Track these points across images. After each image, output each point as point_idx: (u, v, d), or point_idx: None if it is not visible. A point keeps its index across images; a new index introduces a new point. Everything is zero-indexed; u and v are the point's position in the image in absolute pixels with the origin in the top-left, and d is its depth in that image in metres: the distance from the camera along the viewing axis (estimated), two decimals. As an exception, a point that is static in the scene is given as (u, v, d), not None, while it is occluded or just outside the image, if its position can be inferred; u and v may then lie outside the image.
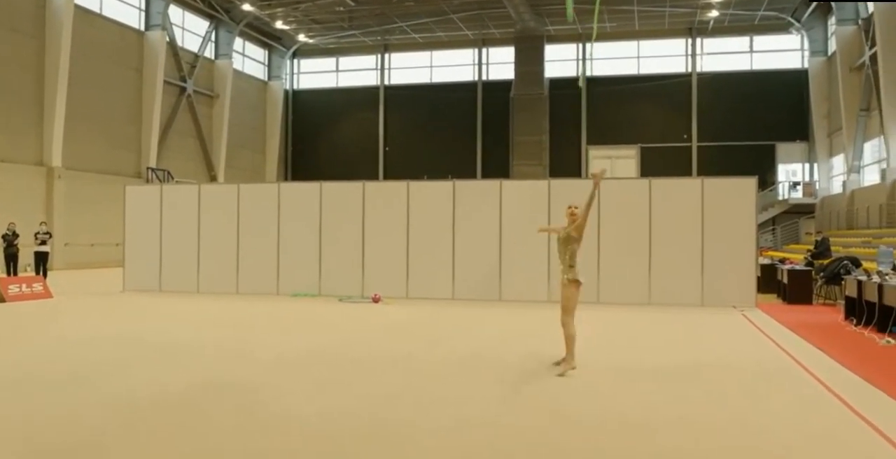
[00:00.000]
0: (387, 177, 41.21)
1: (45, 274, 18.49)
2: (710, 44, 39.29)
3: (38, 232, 19.42)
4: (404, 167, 40.46)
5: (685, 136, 39.08)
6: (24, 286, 15.21)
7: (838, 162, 33.93)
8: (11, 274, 18.75)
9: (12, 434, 5.03)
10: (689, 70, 39.31)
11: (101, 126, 30.35)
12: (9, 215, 23.03)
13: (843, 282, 13.45)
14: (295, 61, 45.60)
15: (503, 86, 40.55)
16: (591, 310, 13.52)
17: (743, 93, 37.99)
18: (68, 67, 27.30)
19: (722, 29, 38.29)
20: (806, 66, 36.52)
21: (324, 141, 44.28)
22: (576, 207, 7.61)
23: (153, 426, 5.27)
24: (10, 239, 19.06)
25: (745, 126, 37.72)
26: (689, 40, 39.36)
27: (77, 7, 27.92)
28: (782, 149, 38.05)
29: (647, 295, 14.73)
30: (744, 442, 4.95)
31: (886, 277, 10.68)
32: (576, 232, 7.49)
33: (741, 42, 38.87)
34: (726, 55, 39.01)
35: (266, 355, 8.37)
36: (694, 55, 39.31)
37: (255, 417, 5.51)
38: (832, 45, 33.59)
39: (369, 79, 44.08)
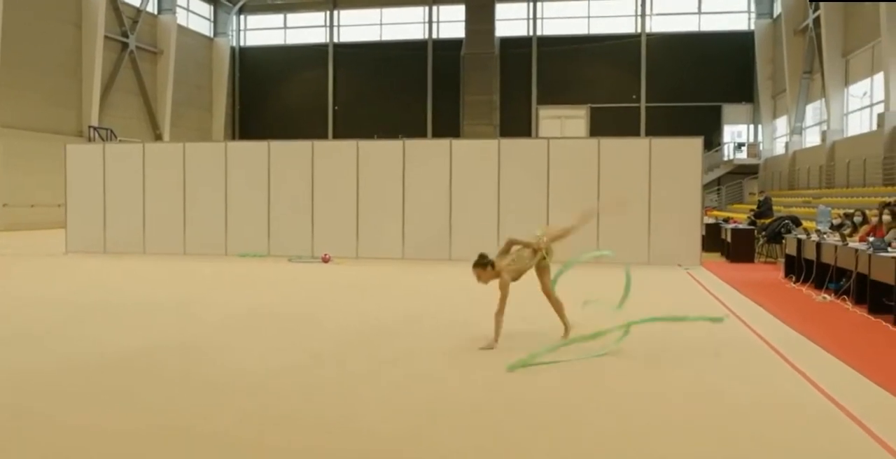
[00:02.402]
0: (336, 136, 40.75)
1: (-17, 236, 18.03)
2: (659, 4, 39.40)
3: (-26, 193, 18.89)
4: (354, 126, 40.06)
5: (634, 97, 39.38)
6: (-39, 247, 14.79)
7: (781, 123, 34.60)
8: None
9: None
10: (639, 31, 39.45)
11: (40, 83, 29.31)
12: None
13: (783, 241, 13.82)
14: (241, 18, 44.51)
15: (454, 44, 40.17)
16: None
17: (691, 54, 38.33)
18: (1, 22, 26.18)
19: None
20: (752, 28, 36.92)
21: (272, 99, 43.53)
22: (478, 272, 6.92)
23: (94, 387, 5.22)
24: None
25: (692, 87, 38.13)
26: (640, 0, 39.40)
27: (10, -43, 26.72)
28: (728, 110, 38.64)
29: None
30: (673, 388, 5.12)
31: (824, 236, 11.00)
32: (506, 277, 6.84)
33: (690, 2, 39.08)
34: (675, 16, 39.19)
35: (211, 314, 8.33)
36: (643, 16, 39.42)
37: (200, 375, 5.50)
38: (777, 8, 33.97)
39: (318, 36, 43.29)
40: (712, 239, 17.53)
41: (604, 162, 14.93)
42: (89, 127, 31.58)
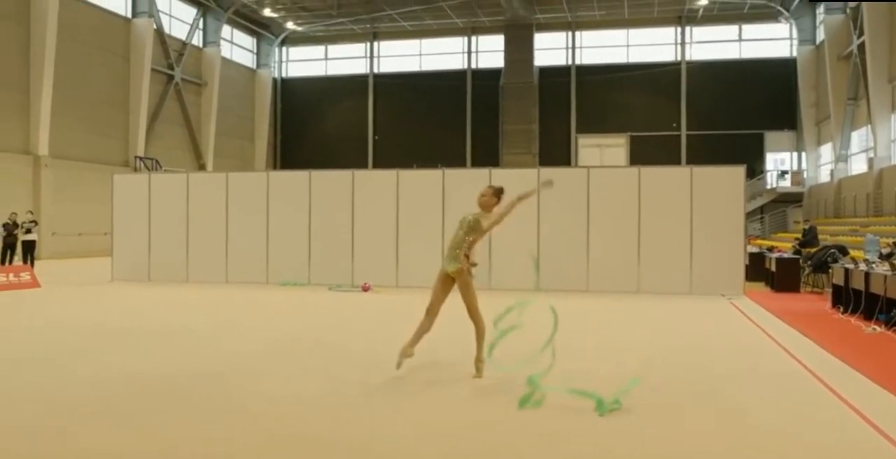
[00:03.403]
0: (376, 165, 41.10)
1: (32, 264, 18.43)
2: (699, 32, 39.30)
3: (24, 222, 19.37)
4: (394, 156, 40.35)
5: (674, 125, 39.14)
6: (11, 275, 15.13)
7: (826, 151, 34.07)
8: (8, 264, 18.72)
9: None
10: (679, 58, 39.32)
11: (88, 114, 30.12)
12: (-5, 204, 22.93)
13: (830, 271, 13.54)
14: (283, 49, 45.35)
15: (493, 74, 40.48)
16: (579, 299, 13.61)
17: (732, 81, 38.05)
18: (54, 55, 27.04)
19: (711, 17, 38.28)
20: (794, 54, 36.58)
21: (313, 129, 44.11)
22: (490, 192, 6.79)
23: (127, 410, 5.27)
24: (11, 229, 19.09)
25: (733, 115, 37.80)
26: (679, 29, 39.35)
27: (63, -7, 27.64)
28: (770, 137, 38.17)
29: (636, 284, 14.79)
30: (720, 422, 4.99)
31: (873, 265, 10.76)
32: (487, 223, 6.68)
33: (730, 30, 38.92)
34: (715, 44, 39.03)
35: (247, 342, 8.37)
36: (683, 44, 39.33)
37: (230, 401, 5.52)
38: (820, 34, 33.67)
39: (358, 67, 43.89)
40: (756, 269, 17.26)
41: (644, 190, 14.83)
42: (135, 157, 32.28)
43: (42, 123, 26.86)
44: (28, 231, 19.23)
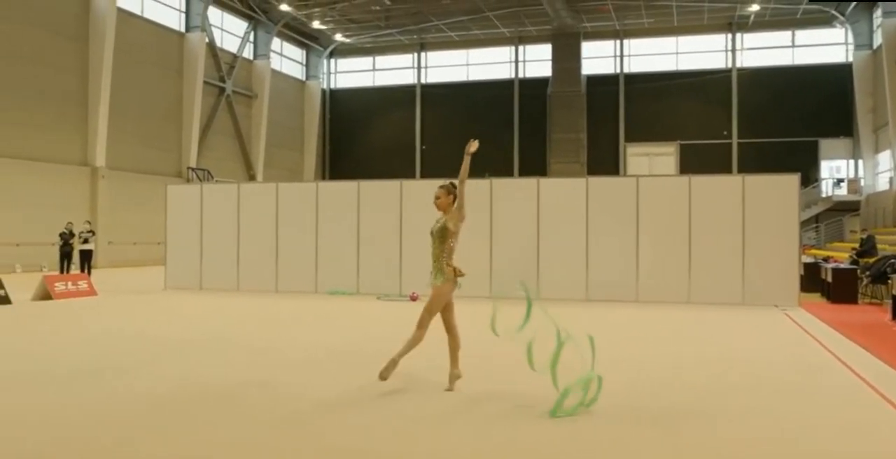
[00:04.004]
0: (424, 175, 41.27)
1: (89, 272, 18.90)
2: (750, 39, 38.70)
3: (81, 231, 19.90)
4: (441, 165, 40.36)
5: (725, 133, 38.57)
6: (69, 283, 15.52)
7: (884, 158, 33.18)
8: (65, 272, 19.30)
9: (42, 425, 5.13)
10: (729, 65, 38.78)
11: (143, 126, 30.86)
12: (56, 214, 23.67)
13: (889, 281, 13.16)
14: (332, 61, 45.88)
15: (540, 83, 40.43)
16: (629, 309, 13.45)
17: (784, 88, 37.38)
18: (111, 70, 27.81)
19: (763, 23, 37.68)
20: (850, 60, 35.75)
21: (361, 140, 44.49)
22: (443, 192, 6.41)
23: (175, 421, 5.33)
24: (66, 238, 19.69)
25: (786, 122, 37.11)
26: (729, 35, 38.82)
27: (119, 10, 28.42)
28: (825, 145, 37.34)
29: (687, 294, 14.57)
30: (776, 437, 4.87)
31: (934, 275, 10.43)
32: (452, 222, 6.30)
33: (783, 36, 38.24)
34: (767, 50, 38.40)
35: (299, 350, 8.44)
36: (734, 50, 38.76)
37: (281, 410, 5.56)
38: (877, 39, 32.87)
39: (406, 77, 44.19)
40: (811, 279, 16.87)
41: (695, 199, 14.63)
42: (188, 168, 32.94)
43: (99, 136, 27.62)
44: (85, 240, 19.75)
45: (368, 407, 5.75)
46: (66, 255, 19.83)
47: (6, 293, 13.83)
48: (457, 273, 6.38)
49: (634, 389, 6.46)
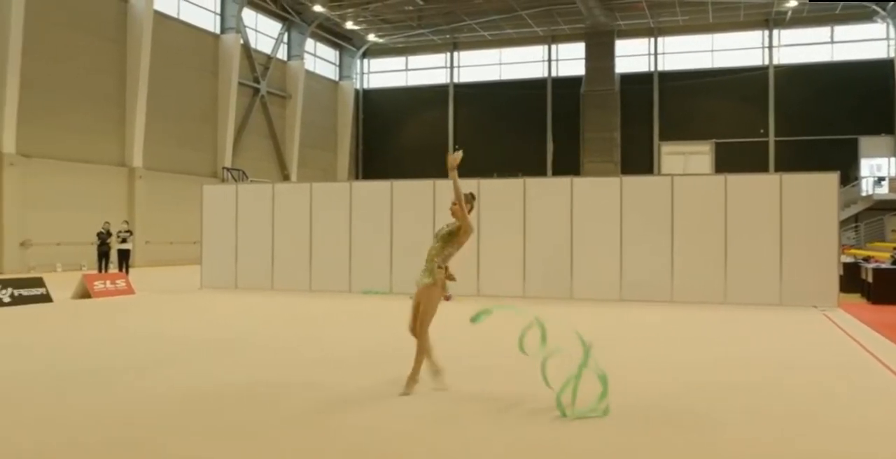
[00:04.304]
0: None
1: (127, 271, 19.18)
2: (787, 35, 38.11)
3: (120, 231, 20.20)
4: (474, 165, 40.15)
5: (762, 131, 38.04)
6: (108, 282, 15.77)
7: (926, 156, 32.50)
8: (103, 271, 19.63)
9: (75, 424, 5.21)
10: (766, 63, 38.24)
11: (179, 127, 31.26)
12: (93, 214, 24.05)
13: (932, 281, 12.88)
14: (365, 61, 46.06)
15: (573, 82, 40.21)
16: (663, 309, 13.32)
17: (823, 85, 36.76)
18: (148, 71, 28.21)
19: (801, 19, 37.10)
20: (892, 55, 35.07)
21: (394, 139, 44.62)
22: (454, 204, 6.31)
23: (199, 419, 5.38)
24: (104, 238, 20.02)
25: (825, 119, 36.50)
26: (766, 32, 38.28)
27: (156, 12, 28.80)
28: (866, 142, 36.66)
29: (723, 294, 14.39)
30: (818, 441, 4.78)
31: (980, 276, 10.18)
32: (463, 234, 6.25)
33: (821, 32, 37.58)
34: (805, 46, 37.79)
35: (333, 350, 8.48)
36: (771, 47, 38.21)
37: (315, 410, 5.58)
38: (919, 34, 32.19)
39: (439, 77, 44.23)
40: (851, 279, 16.56)
41: (731, 198, 14.44)
42: (223, 168, 33.29)
43: (136, 137, 28.04)
44: (124, 240, 20.04)
45: (390, 406, 5.76)
46: (103, 255, 20.16)
47: (47, 291, 14.10)
48: (448, 277, 6.33)
49: (667, 391, 6.39)
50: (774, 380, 6.90)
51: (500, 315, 5.95)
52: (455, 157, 6.26)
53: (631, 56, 40.06)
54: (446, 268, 6.30)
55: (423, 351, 6.25)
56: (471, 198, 6.40)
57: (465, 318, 6.16)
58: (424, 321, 6.24)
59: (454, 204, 6.27)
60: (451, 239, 6.28)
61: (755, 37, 38.64)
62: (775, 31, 38.09)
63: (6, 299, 13.15)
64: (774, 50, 38.21)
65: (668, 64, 39.84)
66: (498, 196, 15.88)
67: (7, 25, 22.73)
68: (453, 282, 6.49)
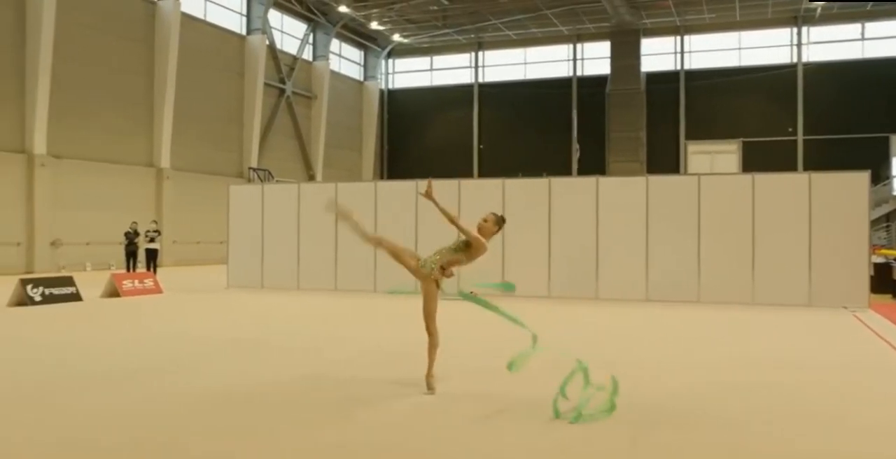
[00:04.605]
0: (481, 174, 41.26)
1: (155, 271, 19.39)
2: (817, 32, 37.62)
3: (148, 230, 20.42)
4: (499, 164, 40.36)
5: (790, 130, 37.60)
6: (136, 282, 15.94)
7: (959, 154, 31.96)
8: (131, 270, 19.87)
9: (100, 424, 5.27)
10: (794, 60, 37.78)
11: (206, 128, 31.53)
12: (122, 214, 24.34)
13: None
14: (390, 61, 46.15)
15: (598, 81, 40.00)
16: (690, 309, 13.22)
17: (853, 82, 36.23)
18: (175, 72, 28.49)
19: (830, 16, 36.63)
20: (923, 52, 34.52)
21: (419, 139, 44.67)
22: (493, 219, 6.49)
23: (231, 421, 5.41)
24: (131, 237, 20.25)
25: (855, 117, 35.97)
26: (795, 29, 37.81)
27: (183, 14, 29.07)
28: (897, 141, 36.13)
29: (751, 295, 14.25)
30: (848, 444, 4.72)
31: None
32: (477, 250, 6.34)
33: (852, 29, 37.05)
34: (835, 43, 37.26)
35: (357, 350, 8.51)
36: (800, 45, 37.75)
37: (342, 409, 5.60)
38: (952, 31, 31.63)
39: (463, 77, 44.21)
40: (882, 280, 16.34)
41: (759, 198, 14.30)
42: (249, 168, 33.52)
43: (164, 137, 28.34)
44: (152, 239, 20.27)
45: (417, 404, 5.77)
46: (131, 254, 20.39)
47: (77, 290, 14.29)
48: (445, 273, 6.41)
49: (695, 392, 6.34)
50: (802, 381, 6.82)
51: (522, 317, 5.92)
52: (427, 189, 6.41)
53: (657, 54, 39.78)
54: (444, 268, 6.37)
55: (433, 344, 6.34)
56: (501, 220, 6.51)
57: (483, 318, 6.12)
58: (426, 315, 6.33)
59: (485, 221, 6.44)
60: (465, 249, 6.36)
61: (783, 34, 38.19)
62: (804, 28, 37.62)
63: (38, 298, 13.35)
64: (803, 47, 37.74)
65: (695, 62, 39.50)
66: (523, 196, 15.84)
67: (38, 28, 23.08)
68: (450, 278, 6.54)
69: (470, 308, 6.12)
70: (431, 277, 6.34)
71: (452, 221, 6.13)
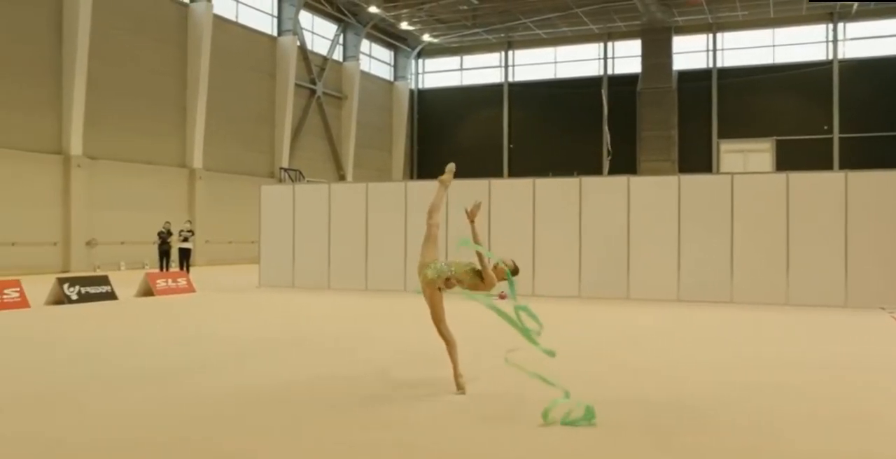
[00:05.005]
0: (511, 174, 41.16)
1: (188, 270, 19.60)
2: (853, 28, 37.00)
3: (181, 230, 20.66)
4: (529, 164, 40.24)
5: (825, 128, 37.03)
6: (170, 281, 16.13)
7: None
8: (164, 269, 20.12)
9: (136, 423, 5.33)
10: (830, 57, 37.19)
11: (238, 128, 31.83)
12: (156, 215, 24.64)
13: None
14: (420, 61, 46.23)
15: (629, 80, 39.70)
16: (722, 310, 13.07)
17: (891, 79, 35.59)
18: (208, 73, 28.80)
19: (867, 12, 35.97)
20: (963, 49, 33.82)
21: (449, 139, 44.66)
22: (512, 264, 6.54)
23: (262, 420, 5.44)
24: (165, 237, 20.52)
25: (893, 115, 35.33)
26: (830, 25, 37.22)
27: (215, 16, 29.37)
28: (936, 139, 35.45)
29: (784, 295, 14.05)
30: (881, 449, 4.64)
31: None
32: (486, 284, 6.36)
33: (889, 25, 36.37)
34: (872, 40, 36.62)
35: (389, 350, 8.53)
36: (835, 41, 37.15)
37: (371, 409, 5.62)
38: None
39: (493, 76, 44.15)
40: (921, 281, 15.99)
41: (793, 197, 14.09)
42: (280, 168, 33.77)
43: (197, 138, 28.66)
44: (185, 239, 20.51)
45: (447, 404, 5.77)
46: (164, 254, 20.65)
47: (112, 289, 14.50)
48: (448, 283, 6.46)
49: (726, 394, 6.26)
50: (837, 382, 6.72)
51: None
52: (472, 210, 6.73)
53: (688, 53, 39.37)
54: (448, 279, 6.44)
55: (451, 345, 6.37)
56: (516, 270, 6.57)
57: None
58: (436, 321, 6.43)
59: (504, 264, 6.49)
60: (476, 276, 6.43)
61: (818, 31, 37.62)
62: (840, 24, 37.03)
63: (74, 296, 13.56)
64: (839, 44, 37.14)
65: (727, 60, 39.07)
66: (554, 195, 15.77)
67: (74, 30, 23.45)
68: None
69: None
70: (436, 284, 6.42)
71: (480, 258, 6.28)
